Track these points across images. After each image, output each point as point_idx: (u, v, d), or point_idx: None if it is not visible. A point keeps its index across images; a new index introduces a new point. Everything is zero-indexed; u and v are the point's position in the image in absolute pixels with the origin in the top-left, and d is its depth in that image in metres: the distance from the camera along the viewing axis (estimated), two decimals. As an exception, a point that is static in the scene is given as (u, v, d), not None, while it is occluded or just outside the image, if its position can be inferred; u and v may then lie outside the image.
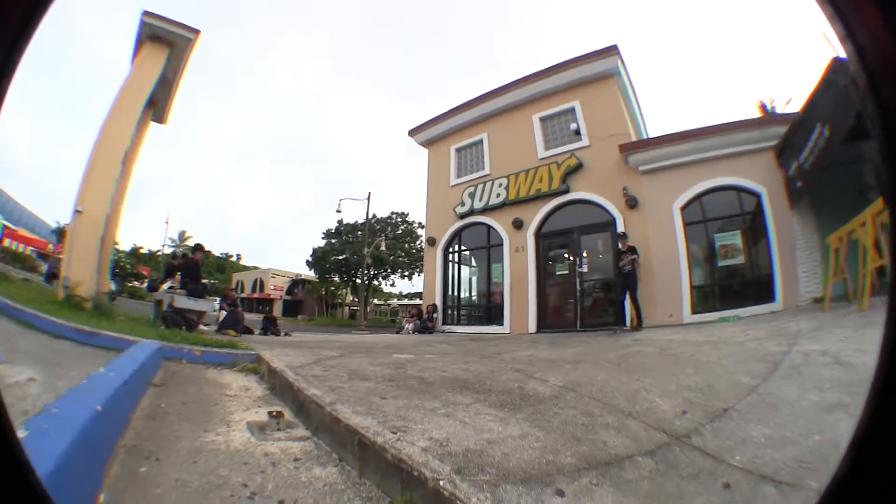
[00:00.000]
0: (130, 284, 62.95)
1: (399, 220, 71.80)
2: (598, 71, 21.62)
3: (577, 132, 21.42)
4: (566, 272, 20.60)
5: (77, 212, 14.99)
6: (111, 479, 2.90)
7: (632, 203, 18.62)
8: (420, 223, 65.70)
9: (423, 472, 2.68)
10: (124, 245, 79.16)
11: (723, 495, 2.54)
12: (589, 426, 3.82)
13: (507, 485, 2.57)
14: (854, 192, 12.29)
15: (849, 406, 3.77)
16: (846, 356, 5.53)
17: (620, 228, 18.41)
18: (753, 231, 16.41)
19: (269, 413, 4.66)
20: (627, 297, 15.56)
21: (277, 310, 73.11)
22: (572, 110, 22.15)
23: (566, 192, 20.78)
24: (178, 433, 4.04)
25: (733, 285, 16.81)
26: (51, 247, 48.96)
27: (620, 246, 16.17)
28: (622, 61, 21.53)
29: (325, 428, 4.09)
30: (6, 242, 38.92)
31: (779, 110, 28.66)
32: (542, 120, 23.16)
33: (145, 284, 57.04)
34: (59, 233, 51.09)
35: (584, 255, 20.11)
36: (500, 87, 24.76)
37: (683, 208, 17.64)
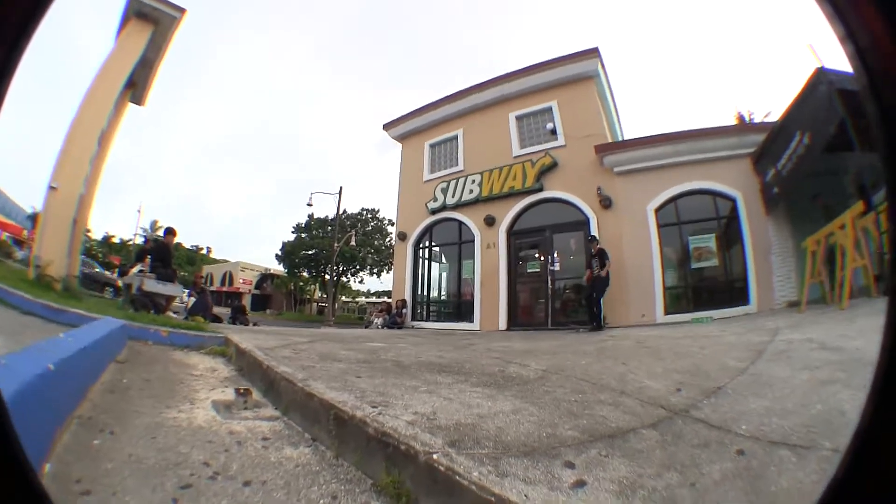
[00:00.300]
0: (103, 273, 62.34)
1: (369, 216, 71.87)
2: (577, 72, 21.57)
3: (554, 132, 21.31)
4: (538, 270, 20.52)
5: (51, 188, 14.86)
6: (60, 448, 2.68)
7: (606, 203, 18.53)
8: (390, 220, 66.15)
9: (413, 445, 2.45)
10: (96, 234, 78.21)
11: (738, 461, 2.46)
12: (583, 402, 3.72)
13: (509, 458, 2.38)
14: (833, 200, 12.32)
15: (844, 381, 3.81)
16: (832, 342, 5.55)
17: (594, 229, 18.41)
18: (728, 235, 16.45)
19: (237, 391, 4.40)
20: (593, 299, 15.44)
21: (246, 303, 72.76)
22: (549, 110, 22.03)
23: (540, 190, 20.66)
24: (139, 408, 3.82)
25: (707, 287, 16.84)
26: (26, 233, 48.33)
27: (592, 250, 15.97)
28: (602, 64, 21.58)
29: (296, 406, 3.87)
30: None
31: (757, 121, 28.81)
32: (519, 118, 23.03)
33: (116, 272, 56.54)
34: (34, 218, 50.40)
35: (556, 254, 20.04)
36: (477, 84, 24.63)
37: (658, 210, 17.61)
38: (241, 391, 4.33)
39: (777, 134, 13.63)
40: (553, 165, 20.41)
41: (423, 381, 4.54)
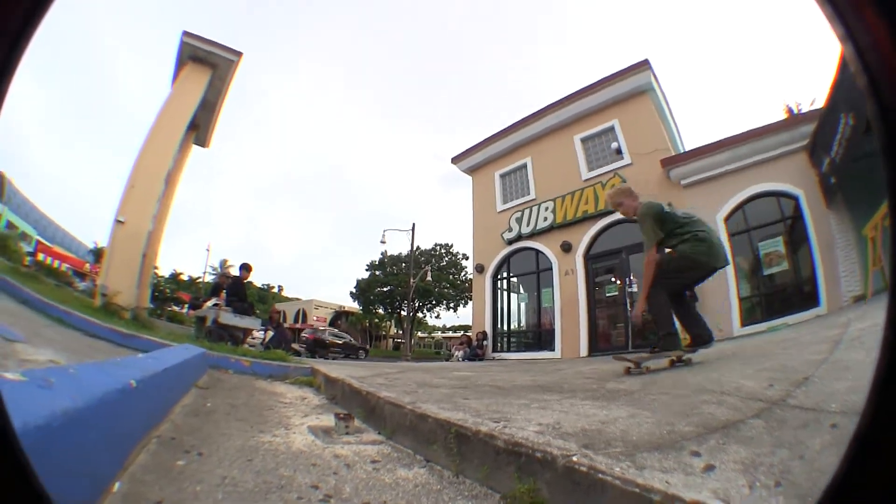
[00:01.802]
0: (170, 308, 63.67)
1: (443, 251, 72.77)
2: (632, 87, 21.62)
3: (619, 151, 21.40)
4: (615, 293, 20.44)
5: (118, 221, 15.32)
6: (135, 467, 2.55)
7: (678, 219, 18.13)
8: (465, 254, 67.95)
9: (549, 451, 2.42)
10: (163, 271, 79.66)
11: (834, 432, 2.61)
12: (689, 404, 3.77)
13: (641, 453, 2.42)
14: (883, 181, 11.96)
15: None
16: (900, 320, 5.57)
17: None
18: (794, 235, 16.12)
19: (337, 416, 4.33)
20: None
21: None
22: (612, 129, 22.14)
23: (612, 212, 20.23)
24: (227, 432, 3.78)
25: (780, 293, 16.47)
26: (87, 266, 49.55)
27: None
28: (654, 76, 21.48)
29: (405, 429, 3.81)
30: (39, 257, 38.95)
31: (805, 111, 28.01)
32: (584, 141, 23.16)
33: (185, 308, 57.70)
34: (97, 253, 52.14)
35: (632, 276, 19.78)
36: (538, 111, 24.86)
37: (727, 219, 17.42)
38: (342, 416, 4.28)
39: (824, 121, 13.21)
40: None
41: (531, 399, 4.48)
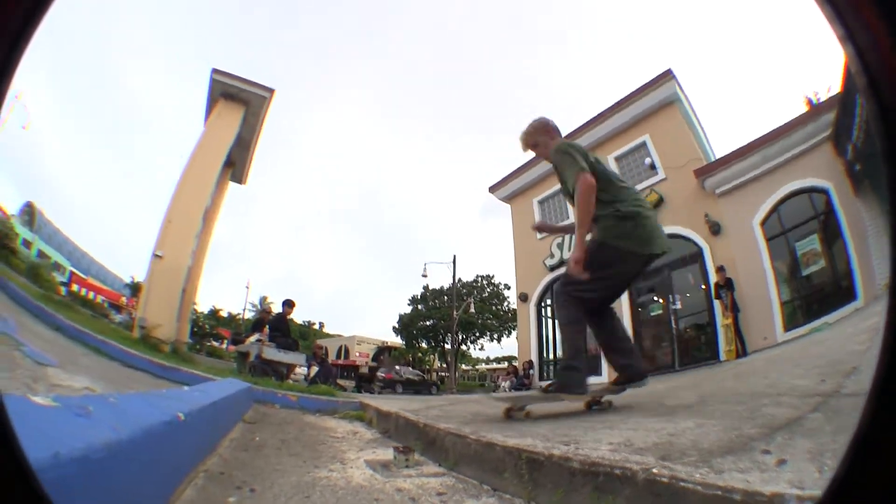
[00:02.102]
0: (209, 343, 64.48)
1: (485, 282, 72.19)
2: (659, 100, 21.63)
3: (653, 166, 21.39)
4: (660, 312, 20.30)
5: (156, 256, 15.43)
6: (182, 503, 2.45)
7: (715, 229, 18.35)
8: (506, 284, 67.33)
9: (629, 466, 2.40)
10: (202, 307, 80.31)
11: None
12: (750, 408, 3.87)
13: (716, 458, 2.46)
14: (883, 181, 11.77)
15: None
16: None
17: (708, 258, 18.40)
18: (828, 231, 15.89)
19: (396, 448, 4.23)
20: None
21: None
22: (644, 145, 22.16)
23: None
24: (280, 467, 3.69)
25: (818, 293, 16.20)
26: (124, 299, 50.36)
27: (719, 280, 16.28)
28: (679, 85, 21.45)
29: (469, 459, 3.71)
30: (74, 288, 39.37)
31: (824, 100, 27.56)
32: (618, 159, 23.15)
33: (225, 344, 58.22)
34: (133, 287, 53.62)
35: (675, 293, 19.80)
36: (568, 135, 24.32)
37: (763, 223, 17.29)
38: (402, 449, 4.18)
39: (843, 106, 13.01)
40: (660, 201, 20.22)
41: (595, 421, 4.40)
